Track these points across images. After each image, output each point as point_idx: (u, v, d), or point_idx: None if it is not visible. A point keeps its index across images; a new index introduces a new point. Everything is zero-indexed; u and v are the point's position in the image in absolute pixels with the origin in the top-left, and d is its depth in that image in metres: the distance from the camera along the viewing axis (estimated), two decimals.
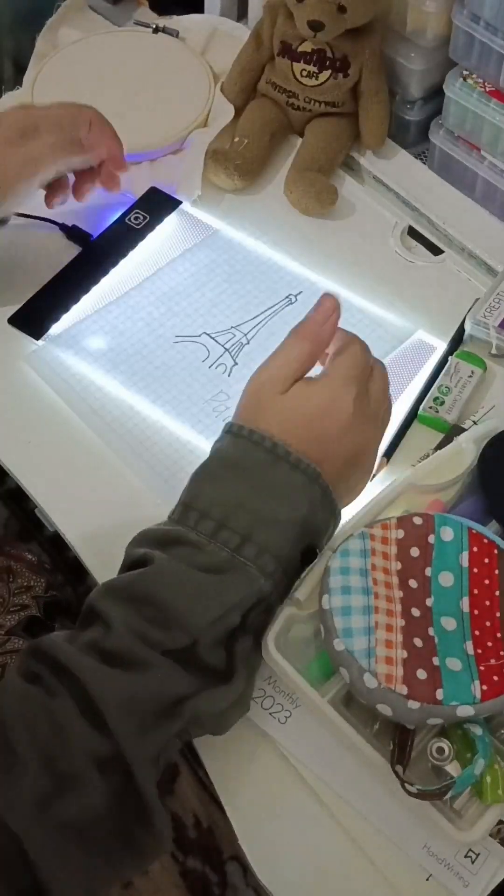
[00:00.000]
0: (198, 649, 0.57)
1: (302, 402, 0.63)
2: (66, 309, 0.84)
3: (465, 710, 0.58)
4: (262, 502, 0.60)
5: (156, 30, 0.96)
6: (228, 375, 0.81)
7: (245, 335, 0.84)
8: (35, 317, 0.83)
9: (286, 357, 0.65)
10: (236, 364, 0.82)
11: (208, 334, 0.84)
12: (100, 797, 0.52)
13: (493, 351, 0.82)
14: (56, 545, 0.79)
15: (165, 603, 0.57)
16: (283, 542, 0.60)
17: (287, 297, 0.86)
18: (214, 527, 0.59)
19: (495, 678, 0.59)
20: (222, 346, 0.83)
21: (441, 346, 0.83)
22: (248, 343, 0.83)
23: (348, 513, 0.70)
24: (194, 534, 0.59)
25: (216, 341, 0.83)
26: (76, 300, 0.85)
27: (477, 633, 0.61)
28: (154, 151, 0.94)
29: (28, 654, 0.57)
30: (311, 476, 0.61)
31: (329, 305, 0.66)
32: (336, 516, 0.65)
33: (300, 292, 0.86)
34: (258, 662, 0.63)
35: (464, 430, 0.76)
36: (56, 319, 0.83)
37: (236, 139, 0.93)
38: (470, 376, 0.79)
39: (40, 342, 0.83)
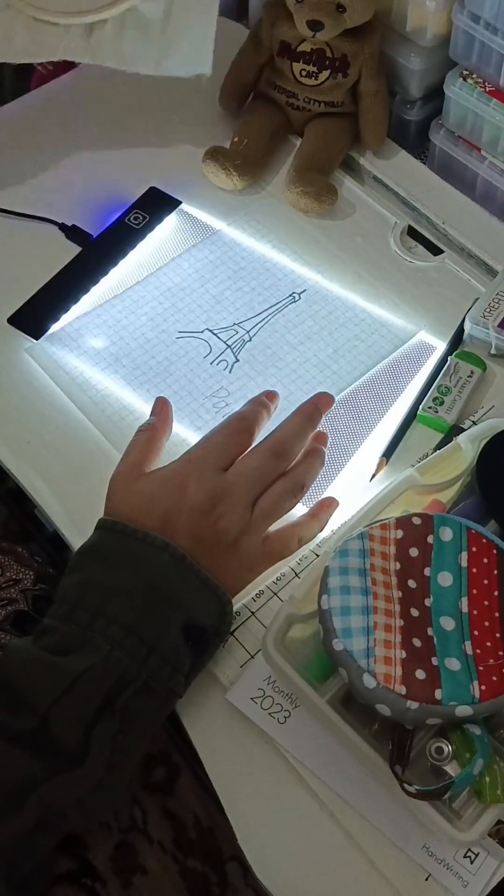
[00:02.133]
0: (49, 730, 0.56)
1: (147, 484, 0.66)
2: (65, 309, 0.84)
3: (463, 710, 0.58)
4: (112, 578, 0.61)
5: None
6: (230, 372, 0.81)
7: (247, 332, 0.84)
8: (34, 316, 0.83)
9: (129, 449, 0.70)
10: (238, 361, 0.82)
11: (211, 330, 0.84)
12: None
13: (493, 351, 0.82)
14: (56, 545, 0.79)
15: (11, 685, 0.57)
16: (130, 610, 0.60)
17: (291, 295, 0.86)
18: (68, 609, 0.60)
19: (494, 678, 0.59)
20: (224, 342, 0.83)
21: (440, 346, 0.83)
22: (250, 340, 0.83)
23: (347, 513, 0.70)
24: (53, 621, 0.61)
25: (218, 337, 0.83)
26: (76, 300, 0.85)
27: (476, 633, 0.61)
28: None
29: None
30: (159, 546, 0.62)
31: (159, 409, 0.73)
32: (214, 591, 0.63)
33: (304, 290, 0.86)
34: (133, 748, 0.60)
35: (463, 430, 0.76)
36: (56, 319, 0.83)
37: (236, 139, 0.93)
38: (469, 376, 0.79)
39: (40, 342, 0.83)
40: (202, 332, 0.84)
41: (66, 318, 0.83)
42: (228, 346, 0.83)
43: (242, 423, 0.69)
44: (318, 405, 0.72)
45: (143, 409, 0.79)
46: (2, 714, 0.56)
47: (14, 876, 0.55)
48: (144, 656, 0.59)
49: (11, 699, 0.57)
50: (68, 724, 0.56)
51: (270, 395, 0.73)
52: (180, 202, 0.92)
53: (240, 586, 0.67)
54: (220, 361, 0.82)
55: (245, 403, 0.72)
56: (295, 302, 0.86)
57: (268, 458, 0.67)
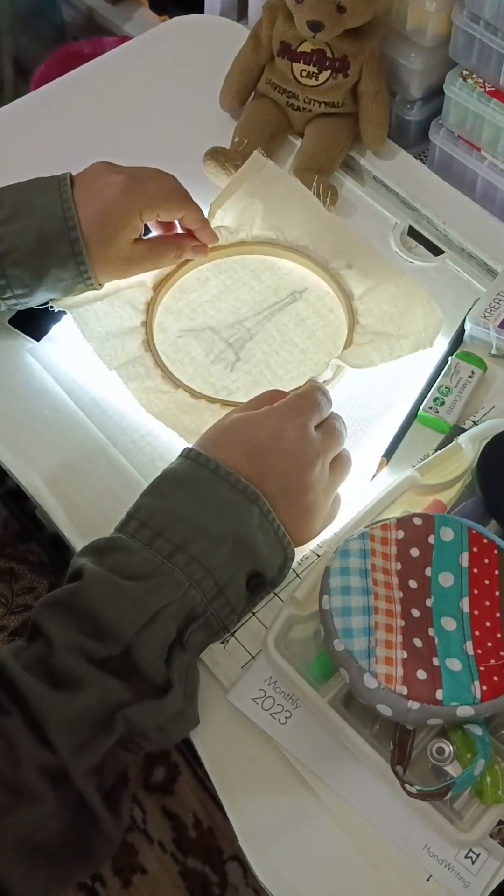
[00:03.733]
0: (133, 658, 0.59)
1: (241, 417, 0.68)
2: (65, 310, 0.84)
3: (465, 711, 0.58)
4: (200, 516, 0.63)
5: None
6: (231, 371, 0.81)
7: (249, 330, 0.84)
8: (35, 318, 0.83)
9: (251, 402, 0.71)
10: (239, 360, 0.82)
11: (212, 329, 0.84)
12: (52, 809, 0.55)
13: (493, 351, 0.82)
14: (56, 545, 0.79)
15: (95, 613, 0.59)
16: (214, 554, 0.62)
17: (292, 294, 0.86)
18: (151, 535, 0.62)
19: (495, 678, 0.59)
20: (226, 340, 0.83)
21: (441, 347, 0.83)
22: (251, 339, 0.83)
23: (349, 513, 0.70)
24: (132, 541, 0.62)
25: (220, 336, 0.83)
26: None
27: (477, 633, 0.61)
28: None
29: None
30: (250, 496, 0.64)
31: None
32: (284, 547, 0.65)
33: (305, 289, 0.86)
34: (196, 677, 0.65)
35: (464, 430, 0.76)
36: (56, 321, 0.83)
37: (236, 139, 0.93)
38: (470, 377, 0.79)
39: (41, 342, 0.83)
40: (203, 330, 0.84)
41: (67, 320, 0.83)
42: (230, 345, 0.83)
43: (325, 394, 0.71)
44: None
45: (143, 410, 0.79)
46: (89, 642, 0.58)
47: (103, 788, 0.58)
48: (213, 596, 0.62)
49: (97, 628, 0.58)
50: (150, 654, 0.59)
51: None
52: None
53: (303, 540, 0.68)
54: (222, 360, 0.82)
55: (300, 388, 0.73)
56: (296, 301, 0.86)
57: (343, 427, 0.71)
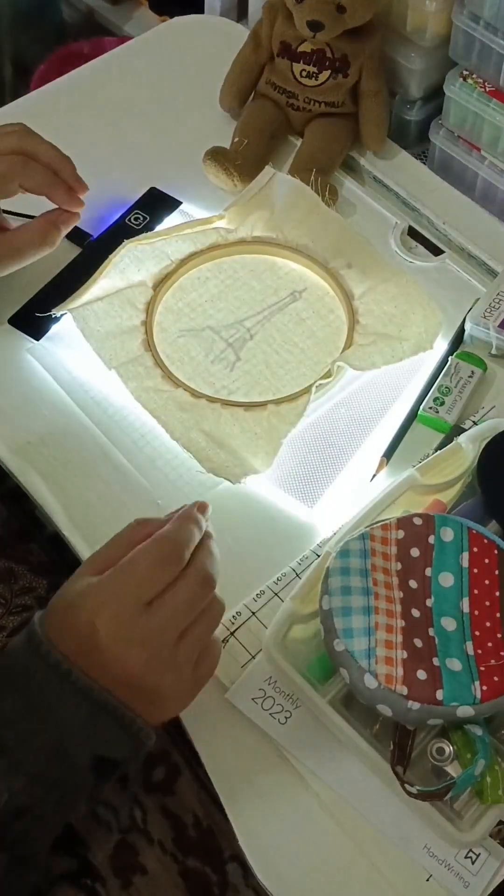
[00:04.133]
0: None
1: (77, 596, 0.59)
2: (65, 310, 0.84)
3: (465, 711, 0.58)
4: (28, 724, 0.56)
5: None
6: (231, 370, 0.81)
7: (248, 330, 0.84)
8: (35, 318, 0.83)
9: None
10: (239, 359, 0.82)
11: (212, 329, 0.84)
12: None
13: (494, 351, 0.82)
14: (56, 545, 0.79)
15: None
16: (36, 762, 0.55)
17: (292, 294, 0.86)
18: None
19: (495, 678, 0.59)
20: (226, 340, 0.83)
21: (441, 347, 0.83)
22: (251, 338, 0.83)
23: (348, 514, 0.70)
24: None
25: (220, 336, 0.83)
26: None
27: (477, 633, 0.61)
28: None
29: None
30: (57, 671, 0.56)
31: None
32: (134, 734, 0.58)
33: (304, 289, 0.86)
34: (22, 886, 0.58)
35: (464, 430, 0.76)
36: (56, 320, 0.83)
37: (236, 139, 0.93)
38: (470, 376, 0.79)
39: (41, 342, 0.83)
40: (203, 330, 0.84)
41: (66, 319, 0.83)
42: (230, 345, 0.83)
43: (175, 551, 0.60)
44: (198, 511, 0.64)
45: (144, 409, 0.79)
46: None
47: None
48: (44, 794, 0.55)
49: None
50: None
51: (202, 507, 0.64)
52: (181, 203, 0.92)
53: (174, 713, 0.61)
54: (221, 360, 0.82)
55: (175, 517, 0.62)
56: (296, 301, 0.86)
57: (197, 589, 0.60)
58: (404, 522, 0.65)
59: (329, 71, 0.90)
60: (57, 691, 0.56)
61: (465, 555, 0.64)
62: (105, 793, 0.64)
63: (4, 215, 0.82)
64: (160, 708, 0.59)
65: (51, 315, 0.82)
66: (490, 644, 0.60)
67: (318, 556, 0.70)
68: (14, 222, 0.84)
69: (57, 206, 0.82)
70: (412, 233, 0.91)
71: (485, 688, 0.58)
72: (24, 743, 0.55)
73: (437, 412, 0.77)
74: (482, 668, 0.59)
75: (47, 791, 0.56)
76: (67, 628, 0.57)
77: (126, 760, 0.59)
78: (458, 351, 0.81)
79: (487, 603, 0.62)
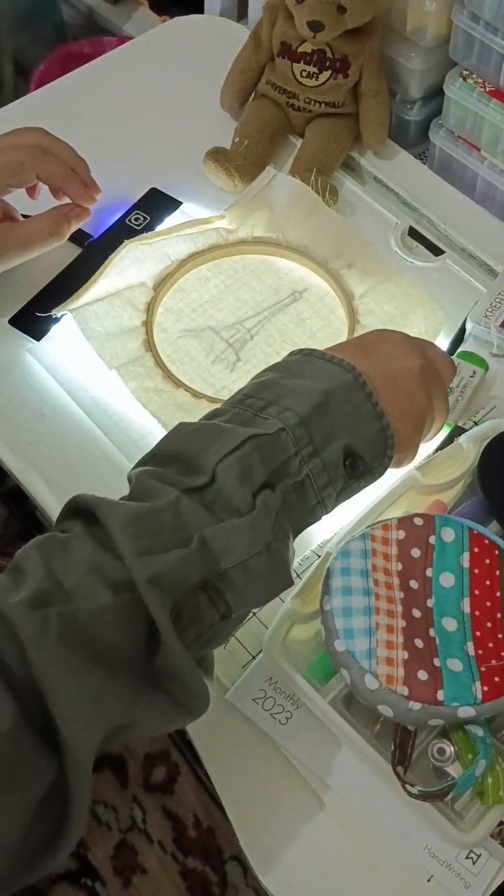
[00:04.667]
0: (216, 486, 0.54)
1: (357, 340, 0.66)
2: (65, 311, 0.84)
3: (466, 712, 0.58)
4: (292, 381, 0.60)
5: None
6: (231, 371, 0.81)
7: (249, 331, 0.84)
8: (35, 318, 0.83)
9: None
10: (239, 360, 0.82)
11: (212, 329, 0.84)
12: (110, 609, 0.49)
13: (495, 351, 0.82)
14: None
15: (183, 452, 0.56)
16: (306, 405, 0.58)
17: (292, 294, 0.86)
18: (241, 397, 0.60)
19: (496, 679, 0.59)
20: (226, 341, 0.83)
21: (442, 346, 0.82)
22: (251, 339, 0.83)
23: (349, 514, 0.70)
24: (223, 406, 0.60)
25: (220, 336, 0.83)
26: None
27: (478, 634, 0.61)
28: None
29: (64, 515, 0.56)
30: (345, 367, 0.61)
31: None
32: (383, 429, 0.61)
33: (305, 290, 0.86)
34: (288, 540, 0.57)
35: (465, 430, 0.76)
36: (57, 321, 0.83)
37: (236, 140, 0.93)
38: (471, 376, 0.79)
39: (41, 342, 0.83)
40: (204, 330, 0.84)
41: (67, 319, 0.83)
42: (230, 345, 0.83)
43: None
44: None
45: (144, 409, 0.79)
46: (173, 475, 0.55)
47: (179, 627, 0.51)
48: (309, 454, 0.57)
49: (183, 465, 0.55)
50: (235, 482, 0.54)
51: None
52: (181, 203, 0.92)
53: (405, 437, 0.63)
54: (222, 360, 0.82)
55: None
56: (296, 301, 0.86)
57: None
58: (405, 523, 0.65)
59: (329, 71, 0.90)
60: (327, 369, 0.61)
61: (466, 555, 0.64)
62: (103, 793, 0.64)
63: (14, 209, 0.83)
64: (408, 423, 0.64)
65: (51, 315, 0.82)
66: (491, 644, 0.60)
67: (319, 556, 0.70)
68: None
69: (67, 203, 0.83)
70: (412, 233, 0.91)
71: (486, 688, 0.58)
72: (293, 394, 0.59)
73: None
74: (483, 669, 0.59)
75: (313, 453, 0.58)
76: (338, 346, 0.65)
77: (372, 468, 0.61)
78: (459, 350, 0.81)
79: (488, 603, 0.62)
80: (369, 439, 0.60)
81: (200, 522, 0.52)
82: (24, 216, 0.84)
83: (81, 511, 0.54)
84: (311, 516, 0.59)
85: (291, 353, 0.64)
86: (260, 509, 0.54)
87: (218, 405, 0.77)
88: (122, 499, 0.56)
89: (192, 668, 0.51)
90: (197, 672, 0.51)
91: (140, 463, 0.59)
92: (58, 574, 0.50)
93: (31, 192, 0.84)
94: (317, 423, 0.58)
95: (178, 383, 0.79)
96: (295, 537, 0.58)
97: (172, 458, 0.56)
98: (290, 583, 0.56)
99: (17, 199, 0.83)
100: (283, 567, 0.55)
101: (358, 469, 0.60)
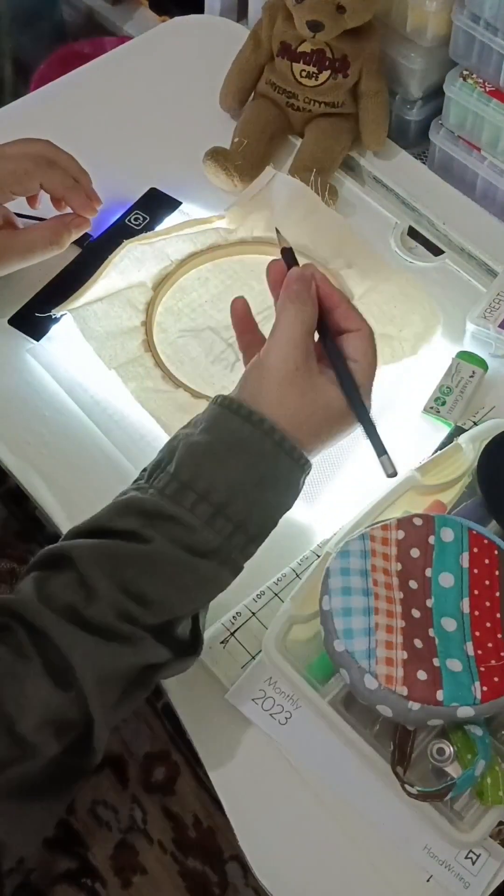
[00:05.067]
0: (173, 627, 0.60)
1: (318, 397, 0.62)
2: (65, 311, 0.84)
3: (465, 712, 0.58)
4: (262, 491, 0.60)
5: None
6: (231, 371, 0.81)
7: None
8: (35, 318, 0.83)
9: (291, 333, 0.63)
10: (239, 360, 0.81)
11: (212, 329, 0.84)
12: (48, 760, 0.54)
13: (494, 351, 0.82)
14: None
15: (154, 589, 0.57)
16: (266, 531, 0.61)
17: None
18: (211, 512, 0.58)
19: (496, 679, 0.59)
20: (225, 341, 0.83)
21: (442, 346, 0.82)
22: None
23: (349, 514, 0.70)
24: (189, 516, 0.58)
25: (220, 336, 0.83)
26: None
27: (477, 634, 0.61)
28: None
29: (38, 565, 0.59)
30: (304, 469, 0.62)
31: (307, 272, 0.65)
32: (303, 466, 0.63)
33: None
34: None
35: (464, 430, 0.76)
36: (56, 321, 0.83)
37: (236, 140, 0.93)
38: (471, 376, 0.79)
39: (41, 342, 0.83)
40: (203, 330, 0.84)
41: (67, 320, 0.83)
42: (230, 345, 0.83)
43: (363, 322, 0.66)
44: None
45: (143, 410, 0.79)
46: (138, 608, 0.57)
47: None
48: (243, 546, 0.61)
49: (150, 599, 0.57)
50: (187, 622, 0.61)
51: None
52: (180, 203, 0.92)
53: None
54: (222, 360, 0.82)
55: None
56: None
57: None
58: (404, 523, 0.65)
59: (329, 71, 0.90)
60: (286, 473, 0.61)
61: (466, 555, 0.64)
62: (104, 793, 0.65)
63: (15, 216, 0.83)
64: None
65: (51, 316, 0.82)
66: (490, 644, 0.60)
67: (319, 556, 0.70)
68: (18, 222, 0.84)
69: (68, 212, 0.83)
70: (412, 233, 0.91)
71: (485, 688, 0.58)
72: (262, 514, 0.61)
73: (439, 412, 0.77)
74: (482, 669, 0.59)
75: (247, 543, 0.61)
76: (284, 408, 0.62)
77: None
78: (459, 351, 0.81)
79: (488, 603, 0.62)
80: (291, 494, 0.63)
81: (159, 663, 0.58)
82: (19, 215, 0.84)
83: (26, 623, 0.56)
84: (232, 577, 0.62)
85: (255, 427, 0.60)
86: (202, 640, 0.62)
87: None
88: (68, 593, 0.57)
89: (102, 740, 0.56)
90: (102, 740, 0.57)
91: (94, 551, 0.58)
92: (14, 724, 0.53)
93: (33, 201, 0.84)
94: (248, 511, 0.60)
95: (177, 383, 0.79)
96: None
97: (137, 582, 0.57)
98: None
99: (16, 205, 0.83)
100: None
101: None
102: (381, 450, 0.63)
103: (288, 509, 0.62)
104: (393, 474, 0.62)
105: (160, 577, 0.57)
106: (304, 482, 0.63)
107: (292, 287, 0.64)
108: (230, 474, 0.59)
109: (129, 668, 0.56)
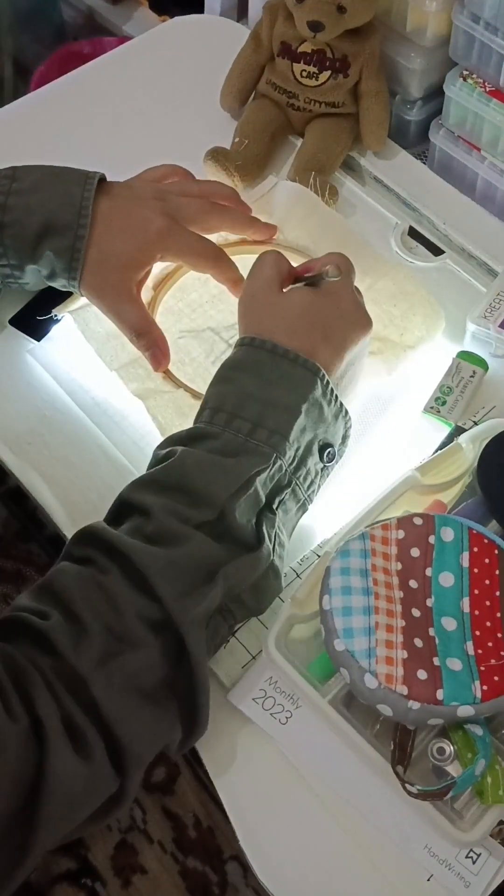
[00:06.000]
0: (226, 522, 0.62)
1: (298, 301, 0.71)
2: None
3: (465, 711, 0.58)
4: (268, 392, 0.67)
5: None
6: None
7: None
8: (36, 319, 0.83)
9: (266, 263, 0.74)
10: None
11: (212, 329, 0.84)
12: (156, 654, 0.58)
13: (494, 351, 0.82)
14: (56, 545, 0.79)
15: (189, 483, 0.63)
16: (290, 425, 0.66)
17: None
18: (227, 417, 0.66)
19: (496, 678, 0.59)
20: (226, 341, 0.83)
21: (443, 346, 0.82)
22: None
23: (349, 513, 0.70)
24: (210, 427, 0.66)
25: (220, 337, 0.83)
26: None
27: (477, 633, 0.61)
28: None
29: (75, 542, 0.63)
30: (311, 369, 0.68)
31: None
32: (344, 416, 0.71)
33: None
34: (285, 542, 0.68)
35: (465, 430, 0.76)
36: (57, 322, 0.83)
37: (236, 140, 0.93)
38: (472, 376, 0.79)
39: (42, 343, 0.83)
40: (204, 331, 0.83)
41: (67, 320, 0.83)
42: (230, 346, 0.82)
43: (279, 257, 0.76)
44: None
45: (144, 411, 0.79)
46: (184, 508, 0.62)
47: (209, 644, 0.62)
48: (295, 467, 0.67)
49: (191, 497, 0.62)
50: (242, 516, 0.63)
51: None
52: None
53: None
54: (222, 361, 0.81)
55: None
56: None
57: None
58: (404, 522, 0.65)
59: (329, 71, 0.90)
60: (297, 375, 0.68)
61: (466, 555, 0.64)
62: None
63: None
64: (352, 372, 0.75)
65: (52, 317, 0.82)
66: (490, 644, 0.60)
67: (319, 556, 0.70)
68: None
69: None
70: (412, 233, 0.91)
71: (485, 687, 0.58)
72: (275, 411, 0.67)
73: (439, 412, 0.77)
74: (482, 668, 0.59)
75: (298, 465, 0.68)
76: (277, 323, 0.71)
77: (339, 448, 0.71)
78: (460, 350, 0.81)
79: (488, 603, 0.62)
80: (336, 429, 0.70)
81: (219, 560, 0.61)
82: None
83: (100, 543, 0.61)
84: (302, 513, 0.69)
85: (252, 345, 0.69)
86: (265, 539, 0.64)
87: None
88: (131, 522, 0.62)
89: (207, 688, 0.60)
90: (208, 690, 0.60)
91: (140, 483, 0.65)
92: (111, 625, 0.58)
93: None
94: (300, 438, 0.67)
95: (178, 384, 0.79)
96: (290, 535, 0.69)
97: (177, 488, 0.63)
98: (281, 588, 0.67)
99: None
100: (279, 577, 0.66)
101: (330, 455, 0.70)
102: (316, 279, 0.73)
103: (305, 401, 0.67)
104: (336, 276, 0.72)
105: (195, 478, 0.63)
106: (315, 380, 0.67)
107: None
108: (235, 385, 0.68)
109: (188, 564, 0.60)
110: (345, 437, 0.72)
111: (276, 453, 0.65)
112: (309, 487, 0.69)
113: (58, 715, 0.55)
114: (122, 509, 0.64)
